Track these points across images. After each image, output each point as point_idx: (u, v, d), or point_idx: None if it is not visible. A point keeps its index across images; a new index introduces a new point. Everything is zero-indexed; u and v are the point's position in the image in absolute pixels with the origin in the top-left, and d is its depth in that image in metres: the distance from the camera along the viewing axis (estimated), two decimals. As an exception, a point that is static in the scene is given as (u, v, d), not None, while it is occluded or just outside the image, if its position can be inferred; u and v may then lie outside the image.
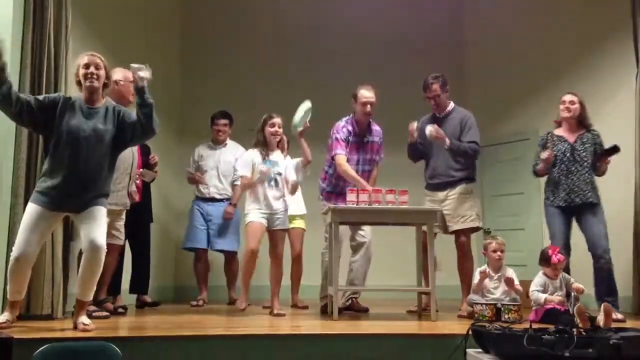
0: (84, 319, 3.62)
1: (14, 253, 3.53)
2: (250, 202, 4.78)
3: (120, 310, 4.70)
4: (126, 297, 5.22)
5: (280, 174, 4.79)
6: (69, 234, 4.30)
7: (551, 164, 4.85)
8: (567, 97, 4.94)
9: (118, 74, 4.63)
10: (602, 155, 4.78)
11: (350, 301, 5.00)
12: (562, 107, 4.93)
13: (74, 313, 3.69)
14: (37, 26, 4.16)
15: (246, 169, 4.81)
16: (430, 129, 4.83)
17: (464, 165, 5.00)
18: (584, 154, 4.81)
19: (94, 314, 4.20)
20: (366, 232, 4.99)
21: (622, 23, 5.52)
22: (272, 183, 4.76)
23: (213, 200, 5.90)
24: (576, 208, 4.80)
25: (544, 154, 4.80)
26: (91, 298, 3.78)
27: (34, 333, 3.36)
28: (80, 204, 3.61)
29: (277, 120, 4.82)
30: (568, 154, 4.82)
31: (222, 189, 5.93)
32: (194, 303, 5.66)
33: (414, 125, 5.06)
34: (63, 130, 3.60)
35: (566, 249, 4.77)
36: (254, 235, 4.68)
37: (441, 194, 5.00)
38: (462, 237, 4.94)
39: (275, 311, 4.63)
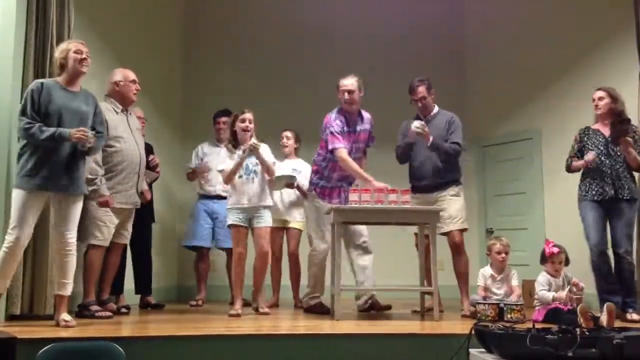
0: (65, 315, 3.72)
1: (15, 235, 3.64)
2: (230, 196, 4.79)
3: (123, 310, 4.71)
4: (130, 297, 5.23)
5: (257, 166, 4.75)
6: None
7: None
8: (596, 94, 4.91)
9: (117, 74, 4.61)
10: (616, 134, 4.67)
11: (370, 301, 4.94)
12: (593, 104, 4.92)
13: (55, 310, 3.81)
14: (39, 26, 4.16)
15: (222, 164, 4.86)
16: (416, 124, 4.83)
17: (450, 167, 4.98)
18: (617, 144, 4.72)
19: (97, 314, 4.21)
20: (364, 232, 4.98)
21: (624, 22, 5.51)
22: (251, 176, 4.73)
23: (219, 197, 5.86)
24: (610, 202, 4.71)
25: (589, 156, 4.69)
26: (70, 292, 3.85)
27: (37, 333, 3.37)
28: (62, 185, 3.77)
29: (248, 115, 4.80)
30: (602, 148, 4.77)
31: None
32: (193, 303, 5.65)
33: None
34: (50, 113, 3.75)
35: (603, 246, 4.68)
36: (238, 239, 4.70)
37: (430, 196, 4.99)
38: (456, 237, 4.92)
39: (260, 310, 4.61)
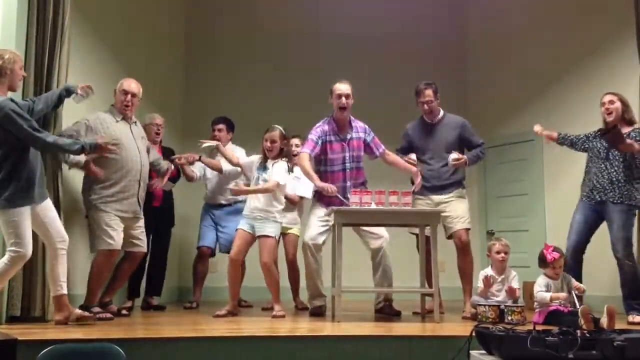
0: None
1: (20, 252, 3.61)
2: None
3: (124, 312, 4.71)
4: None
5: (266, 180, 4.78)
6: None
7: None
8: (607, 98, 4.78)
9: (118, 84, 4.60)
10: (612, 144, 4.62)
11: (383, 304, 4.92)
12: (602, 109, 4.79)
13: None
14: (39, 27, 4.16)
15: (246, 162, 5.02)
16: (453, 157, 4.88)
17: (457, 170, 5.03)
18: (619, 151, 4.67)
19: (97, 315, 4.21)
20: (379, 232, 4.85)
21: (625, 23, 5.50)
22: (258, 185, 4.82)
23: (221, 206, 5.88)
24: (601, 206, 4.72)
25: None
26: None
27: (37, 335, 3.37)
28: (42, 193, 3.82)
29: (267, 134, 4.84)
30: (602, 152, 4.76)
31: (230, 194, 5.86)
32: (188, 305, 5.63)
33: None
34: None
35: (577, 248, 4.74)
36: (235, 243, 4.80)
37: (436, 197, 5.00)
38: (464, 236, 4.94)
39: (273, 312, 4.68)
